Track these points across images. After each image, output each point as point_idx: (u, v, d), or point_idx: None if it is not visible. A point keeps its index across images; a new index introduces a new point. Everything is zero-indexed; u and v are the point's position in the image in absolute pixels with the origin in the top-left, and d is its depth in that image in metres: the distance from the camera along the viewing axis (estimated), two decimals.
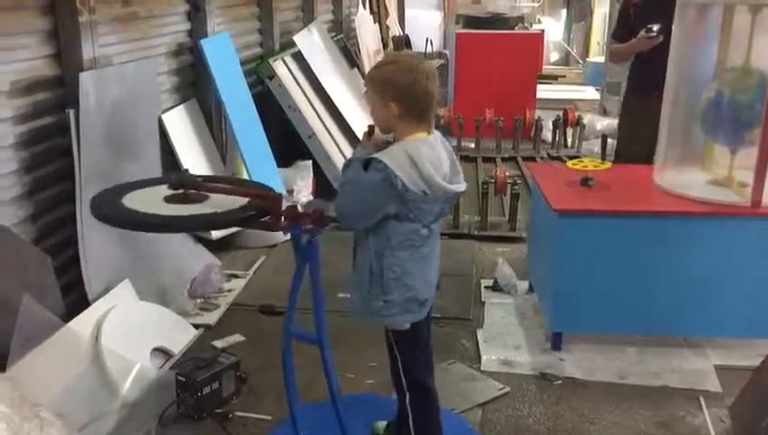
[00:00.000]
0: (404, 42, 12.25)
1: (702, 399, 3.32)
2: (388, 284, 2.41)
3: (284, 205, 2.59)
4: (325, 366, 2.71)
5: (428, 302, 2.54)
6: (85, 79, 3.66)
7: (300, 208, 2.63)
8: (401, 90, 2.34)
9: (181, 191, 2.64)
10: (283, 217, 2.56)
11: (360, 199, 2.38)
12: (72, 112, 3.62)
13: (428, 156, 2.33)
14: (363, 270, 2.45)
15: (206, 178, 2.89)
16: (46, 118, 3.65)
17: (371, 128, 2.55)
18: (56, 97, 3.72)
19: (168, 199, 2.63)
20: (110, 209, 2.56)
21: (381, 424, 2.98)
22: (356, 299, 2.52)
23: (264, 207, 2.58)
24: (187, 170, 2.73)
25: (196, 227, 2.96)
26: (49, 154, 3.67)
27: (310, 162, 5.99)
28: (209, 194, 2.66)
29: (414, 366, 2.59)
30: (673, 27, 3.94)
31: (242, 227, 2.76)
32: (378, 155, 2.31)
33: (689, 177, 3.83)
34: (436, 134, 2.48)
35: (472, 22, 9.14)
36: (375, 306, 2.45)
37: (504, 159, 7.54)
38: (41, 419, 2.20)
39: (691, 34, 3.94)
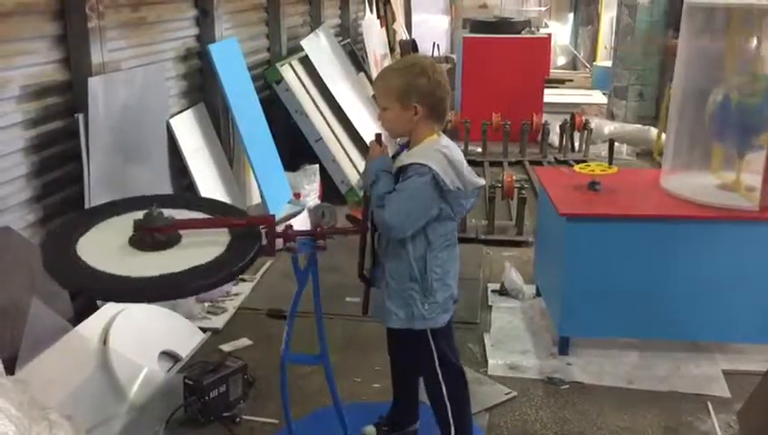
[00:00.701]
0: (411, 46, 12.27)
1: (710, 404, 3.31)
2: (432, 286, 2.48)
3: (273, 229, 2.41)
4: (329, 380, 2.75)
5: (457, 296, 2.65)
6: (94, 84, 3.69)
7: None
8: (426, 92, 2.41)
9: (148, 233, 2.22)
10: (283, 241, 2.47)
11: (410, 208, 2.37)
12: (80, 117, 3.64)
13: (456, 154, 2.45)
14: (402, 279, 2.48)
15: (171, 201, 2.53)
16: (55, 122, 3.68)
17: (379, 136, 2.56)
18: (65, 102, 3.74)
19: (134, 242, 2.22)
20: (61, 263, 2.13)
21: (369, 429, 2.98)
22: (392, 310, 2.53)
23: (255, 234, 2.34)
24: (154, 205, 2.26)
25: (168, 294, 2.35)
26: (58, 158, 3.69)
27: (317, 166, 6.01)
28: (182, 232, 2.27)
29: (449, 354, 2.66)
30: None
31: (230, 279, 2.41)
32: (418, 160, 2.37)
33: (697, 181, 3.83)
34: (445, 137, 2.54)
35: (479, 26, 9.15)
36: (419, 311, 2.50)
37: (510, 164, 7.54)
38: (50, 421, 2.21)
39: (698, 38, 3.93)
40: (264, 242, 2.37)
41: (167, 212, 2.29)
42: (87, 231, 2.29)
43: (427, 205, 2.39)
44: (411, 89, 2.40)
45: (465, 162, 2.48)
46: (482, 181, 2.53)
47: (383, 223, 2.38)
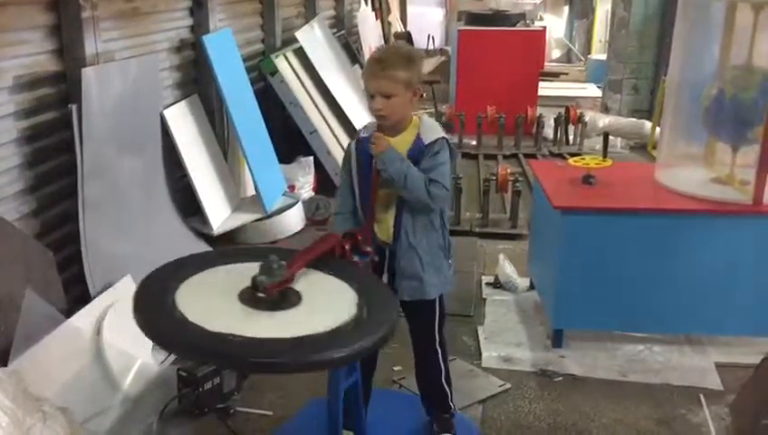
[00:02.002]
0: (406, 38, 12.25)
1: (702, 396, 3.33)
2: (451, 249, 2.75)
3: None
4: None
5: None
6: (87, 75, 3.67)
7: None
8: (421, 78, 2.63)
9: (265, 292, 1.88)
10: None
11: (449, 180, 2.62)
12: (74, 108, 3.62)
13: None
14: (434, 248, 2.67)
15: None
16: (49, 113, 3.66)
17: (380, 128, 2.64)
18: (59, 92, 3.72)
19: (246, 299, 1.89)
20: (172, 330, 1.84)
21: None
22: (431, 281, 2.67)
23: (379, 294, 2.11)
24: (275, 258, 1.94)
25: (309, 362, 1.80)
26: (51, 150, 3.68)
27: (311, 158, 6.00)
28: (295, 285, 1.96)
29: (443, 330, 2.84)
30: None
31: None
32: (439, 135, 2.58)
33: (691, 174, 3.83)
34: None
35: (474, 19, 9.13)
36: (446, 275, 2.73)
37: (505, 157, 7.54)
38: (44, 413, 2.21)
39: (694, 32, 3.94)
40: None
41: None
42: (185, 282, 1.99)
43: (449, 177, 2.64)
44: (416, 74, 2.56)
45: None
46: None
47: (444, 198, 2.61)
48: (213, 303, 1.86)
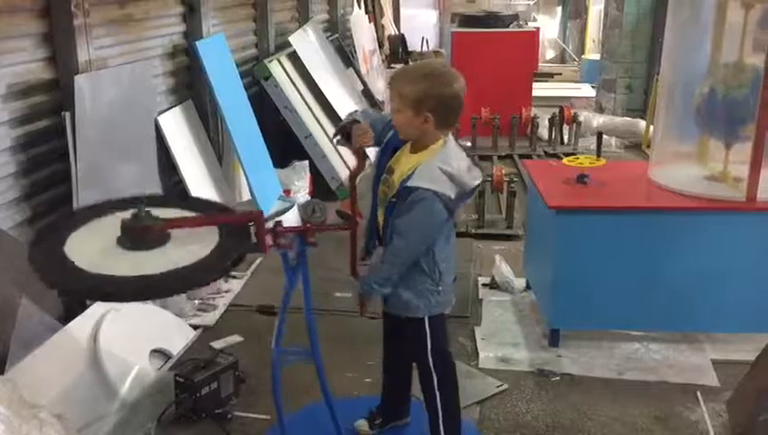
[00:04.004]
0: (400, 41, 12.28)
1: (699, 393, 3.33)
2: (441, 275, 2.55)
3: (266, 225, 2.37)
4: (320, 375, 2.76)
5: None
6: (80, 82, 3.67)
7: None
8: (441, 103, 2.41)
9: (136, 230, 2.17)
10: (273, 238, 2.41)
11: (425, 234, 2.47)
12: (67, 115, 3.62)
13: (459, 162, 2.44)
14: (415, 273, 2.53)
15: (161, 200, 2.52)
16: (42, 121, 3.66)
17: (359, 149, 2.57)
18: (52, 100, 3.72)
19: (122, 242, 2.17)
20: (48, 263, 2.09)
21: (361, 422, 2.99)
22: (413, 302, 2.57)
23: (245, 231, 2.29)
24: (142, 205, 2.21)
25: (168, 290, 2.24)
26: (45, 157, 3.68)
27: (306, 162, 6.01)
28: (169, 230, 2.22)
29: (442, 341, 2.71)
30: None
31: (222, 275, 2.39)
32: (424, 184, 2.35)
33: (684, 172, 3.84)
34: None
35: (467, 20, 9.15)
36: (434, 300, 2.58)
37: (500, 157, 7.55)
38: (40, 420, 2.20)
39: (685, 30, 3.95)
40: (254, 239, 2.33)
41: (156, 211, 2.24)
42: (76, 230, 2.26)
43: (440, 224, 2.46)
44: (426, 98, 2.39)
45: (465, 163, 2.47)
46: (477, 180, 2.49)
47: (405, 252, 2.47)
48: (96, 246, 2.15)
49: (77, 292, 2.18)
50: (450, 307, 2.71)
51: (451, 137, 2.54)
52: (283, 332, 2.72)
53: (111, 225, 2.23)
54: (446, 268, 2.57)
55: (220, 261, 2.17)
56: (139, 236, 2.17)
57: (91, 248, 2.16)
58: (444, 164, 2.39)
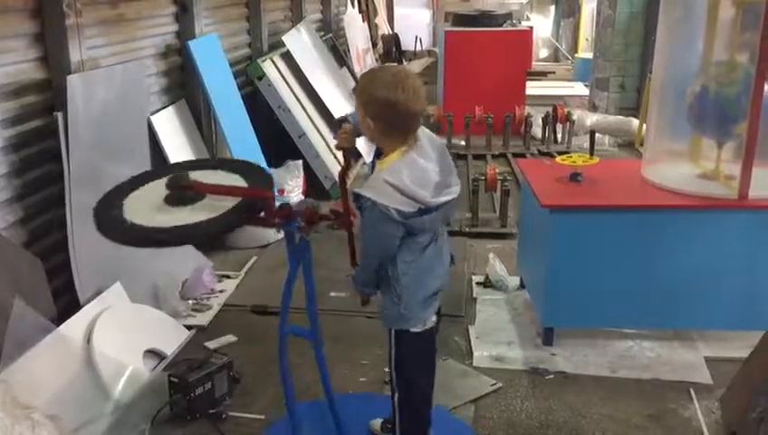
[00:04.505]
0: (393, 40, 12.28)
1: (692, 391, 3.35)
2: (403, 288, 2.42)
3: (277, 203, 2.56)
4: (319, 361, 2.74)
5: (443, 287, 2.55)
6: (73, 82, 3.66)
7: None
8: (384, 109, 2.29)
9: (179, 191, 2.55)
10: (275, 216, 2.52)
11: (378, 245, 2.39)
12: (60, 115, 3.61)
13: (411, 175, 2.29)
14: (385, 283, 2.46)
15: (194, 163, 2.87)
16: (35, 121, 3.65)
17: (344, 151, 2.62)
18: (44, 100, 3.71)
19: (169, 200, 2.56)
20: (114, 227, 2.52)
21: (376, 422, 2.99)
22: (384, 308, 2.51)
23: (255, 205, 2.50)
24: (180, 167, 2.63)
25: (199, 236, 2.68)
26: (38, 157, 3.66)
27: (300, 162, 5.99)
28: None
29: (407, 364, 2.56)
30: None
31: (236, 228, 2.72)
32: (365, 192, 2.30)
33: (677, 170, 3.86)
34: (423, 137, 2.40)
35: (461, 20, 9.16)
36: (396, 313, 2.45)
37: (494, 156, 7.56)
38: (33, 421, 2.20)
39: (677, 28, 3.97)
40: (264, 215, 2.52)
41: (201, 173, 2.64)
42: (128, 196, 2.65)
43: (389, 236, 2.33)
44: (371, 102, 2.31)
45: (431, 176, 2.34)
46: (447, 197, 2.38)
47: (363, 262, 2.48)
48: (144, 204, 2.57)
49: (135, 242, 2.52)
50: (421, 327, 2.48)
51: (425, 142, 2.39)
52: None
53: (161, 187, 2.62)
54: (412, 283, 2.42)
55: (234, 218, 2.47)
56: (179, 194, 2.54)
57: (145, 207, 2.56)
58: (390, 176, 2.28)
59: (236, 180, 2.67)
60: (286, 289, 2.71)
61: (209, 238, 2.74)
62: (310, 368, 3.00)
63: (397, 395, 2.59)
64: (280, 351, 2.77)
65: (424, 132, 2.43)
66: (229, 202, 2.49)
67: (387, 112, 2.29)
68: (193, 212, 2.48)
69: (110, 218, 2.55)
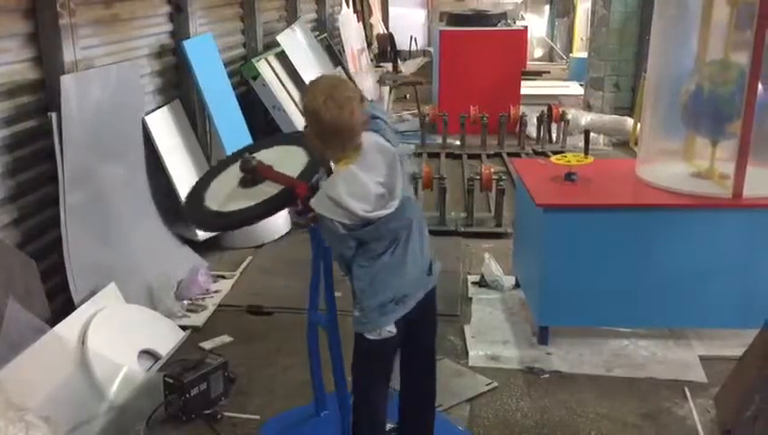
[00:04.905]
0: (388, 40, 12.28)
1: (687, 389, 3.36)
2: (356, 293, 2.42)
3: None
4: (333, 349, 2.77)
5: (411, 295, 2.45)
6: (67, 82, 3.65)
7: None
8: (313, 121, 2.29)
9: (246, 173, 2.71)
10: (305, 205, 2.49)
11: (331, 243, 2.48)
12: (53, 116, 3.60)
13: (348, 189, 2.27)
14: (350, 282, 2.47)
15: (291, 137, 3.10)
16: (29, 121, 3.64)
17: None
18: (38, 100, 3.70)
19: (242, 183, 2.73)
20: (191, 209, 2.76)
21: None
22: (352, 310, 2.51)
23: (291, 194, 2.58)
24: (251, 155, 2.76)
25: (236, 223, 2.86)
26: (32, 158, 3.65)
27: None
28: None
29: (364, 374, 2.55)
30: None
31: (271, 215, 2.82)
32: (313, 202, 2.35)
33: (671, 169, 3.87)
34: (369, 148, 2.32)
35: (455, 19, 9.16)
36: (355, 316, 2.45)
37: (489, 156, 7.56)
38: (26, 422, 2.19)
39: (671, 28, 3.97)
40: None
41: (283, 148, 2.87)
42: (209, 187, 2.82)
43: (339, 239, 2.35)
44: (305, 113, 2.32)
45: (370, 190, 2.28)
46: (381, 212, 2.30)
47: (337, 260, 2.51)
48: (223, 191, 2.76)
49: (217, 228, 2.88)
50: (377, 335, 2.42)
51: (363, 157, 2.31)
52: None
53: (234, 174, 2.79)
54: (366, 288, 2.38)
55: (270, 208, 2.65)
56: (247, 177, 2.70)
57: (221, 192, 2.75)
58: (329, 190, 2.29)
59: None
60: (314, 278, 2.78)
61: (247, 224, 2.80)
62: (302, 369, 2.99)
63: (353, 398, 2.58)
64: (309, 337, 2.85)
65: (372, 142, 2.35)
66: (274, 189, 2.65)
67: (317, 126, 2.29)
68: (249, 196, 2.65)
69: (190, 201, 2.78)
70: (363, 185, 2.28)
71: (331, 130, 2.26)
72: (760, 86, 3.38)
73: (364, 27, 11.67)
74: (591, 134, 7.04)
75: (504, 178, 5.59)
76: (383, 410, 2.60)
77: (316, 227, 2.58)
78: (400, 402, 2.74)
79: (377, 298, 2.39)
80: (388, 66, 11.22)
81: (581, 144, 7.26)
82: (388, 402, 2.61)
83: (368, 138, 2.34)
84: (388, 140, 2.42)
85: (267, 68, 6.40)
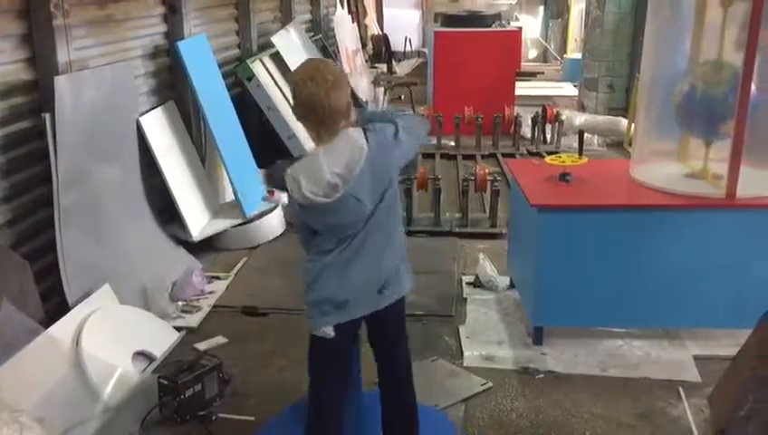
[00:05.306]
0: (383, 41, 12.28)
1: (681, 389, 3.36)
2: (304, 286, 2.44)
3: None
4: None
5: (352, 304, 2.43)
6: (60, 83, 3.64)
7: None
8: (297, 100, 2.33)
9: None
10: None
11: (294, 229, 2.54)
12: (47, 116, 3.59)
13: (307, 171, 2.31)
14: None
15: None
16: (22, 122, 3.63)
17: None
18: (32, 101, 3.69)
19: None
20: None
21: None
22: None
23: None
24: None
25: None
26: (26, 159, 3.64)
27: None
28: None
29: (312, 368, 2.54)
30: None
31: None
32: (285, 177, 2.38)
33: (665, 170, 3.88)
34: (342, 139, 2.33)
35: (450, 20, 9.17)
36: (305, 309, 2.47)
37: (483, 156, 7.57)
38: (21, 423, 2.19)
39: (665, 29, 3.99)
40: None
41: None
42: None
43: (296, 223, 2.48)
44: (291, 89, 2.38)
45: (322, 177, 2.29)
46: (319, 198, 2.30)
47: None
48: None
49: None
50: (318, 333, 2.42)
51: (333, 146, 2.33)
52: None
53: None
54: (310, 282, 2.41)
55: None
56: None
57: None
58: (292, 169, 2.34)
59: None
60: None
61: None
62: (296, 370, 2.99)
63: (309, 390, 2.57)
64: None
65: (349, 135, 2.35)
66: None
67: (295, 102, 2.35)
68: None
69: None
70: (320, 169, 2.31)
71: (306, 108, 2.30)
72: (753, 87, 3.39)
73: (359, 28, 11.67)
74: (586, 135, 7.04)
75: (498, 178, 5.60)
76: (334, 414, 2.54)
77: None
78: (382, 415, 2.70)
79: (316, 295, 2.42)
80: (383, 67, 11.23)
81: (576, 145, 7.27)
82: (342, 409, 2.55)
83: (348, 131, 2.36)
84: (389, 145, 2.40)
85: (262, 69, 6.39)
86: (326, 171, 2.30)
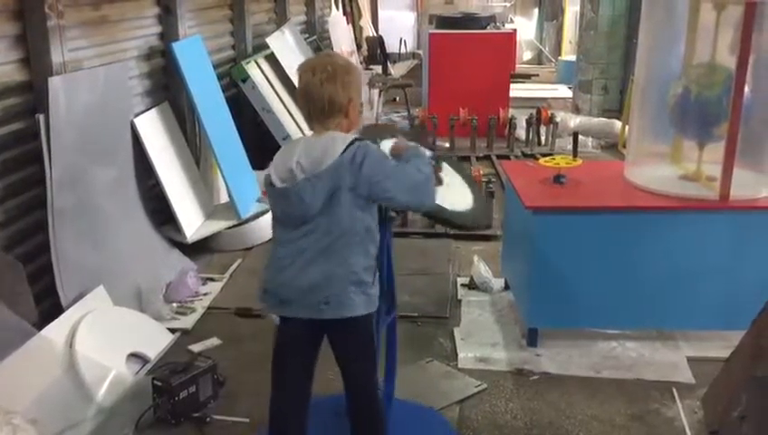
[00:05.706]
0: (378, 43, 12.29)
1: (675, 390, 3.37)
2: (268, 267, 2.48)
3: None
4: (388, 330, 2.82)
5: (287, 299, 2.42)
6: (54, 84, 3.63)
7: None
8: (299, 89, 2.38)
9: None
10: None
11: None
12: (41, 118, 3.58)
13: (283, 153, 2.39)
14: None
15: None
16: (16, 123, 3.62)
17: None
18: (26, 102, 3.68)
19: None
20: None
21: None
22: None
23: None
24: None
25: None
26: (19, 160, 3.64)
27: None
28: None
29: (275, 369, 2.57)
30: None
31: None
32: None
33: (659, 172, 3.89)
34: (326, 136, 2.32)
35: (444, 22, 9.18)
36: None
37: (478, 158, 7.58)
38: (14, 426, 2.18)
39: (659, 31, 4.00)
40: None
41: None
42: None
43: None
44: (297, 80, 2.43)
45: (288, 163, 2.30)
46: (283, 184, 2.31)
47: None
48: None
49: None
50: (270, 312, 2.51)
51: (315, 137, 2.35)
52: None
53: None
54: (272, 262, 2.43)
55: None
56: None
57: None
58: (283, 150, 2.42)
59: None
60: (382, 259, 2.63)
61: None
62: None
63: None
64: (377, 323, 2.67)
65: (335, 137, 2.30)
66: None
67: (300, 93, 2.37)
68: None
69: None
70: (291, 154, 2.33)
71: (301, 94, 2.36)
72: (746, 89, 3.41)
73: (354, 30, 11.68)
74: (580, 137, 7.07)
75: (493, 180, 5.61)
76: (274, 412, 2.58)
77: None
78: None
79: (263, 278, 2.47)
80: (378, 69, 11.24)
81: (570, 147, 7.30)
82: (283, 411, 2.57)
83: (336, 132, 2.33)
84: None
85: (257, 70, 6.39)
86: (294, 158, 2.31)
